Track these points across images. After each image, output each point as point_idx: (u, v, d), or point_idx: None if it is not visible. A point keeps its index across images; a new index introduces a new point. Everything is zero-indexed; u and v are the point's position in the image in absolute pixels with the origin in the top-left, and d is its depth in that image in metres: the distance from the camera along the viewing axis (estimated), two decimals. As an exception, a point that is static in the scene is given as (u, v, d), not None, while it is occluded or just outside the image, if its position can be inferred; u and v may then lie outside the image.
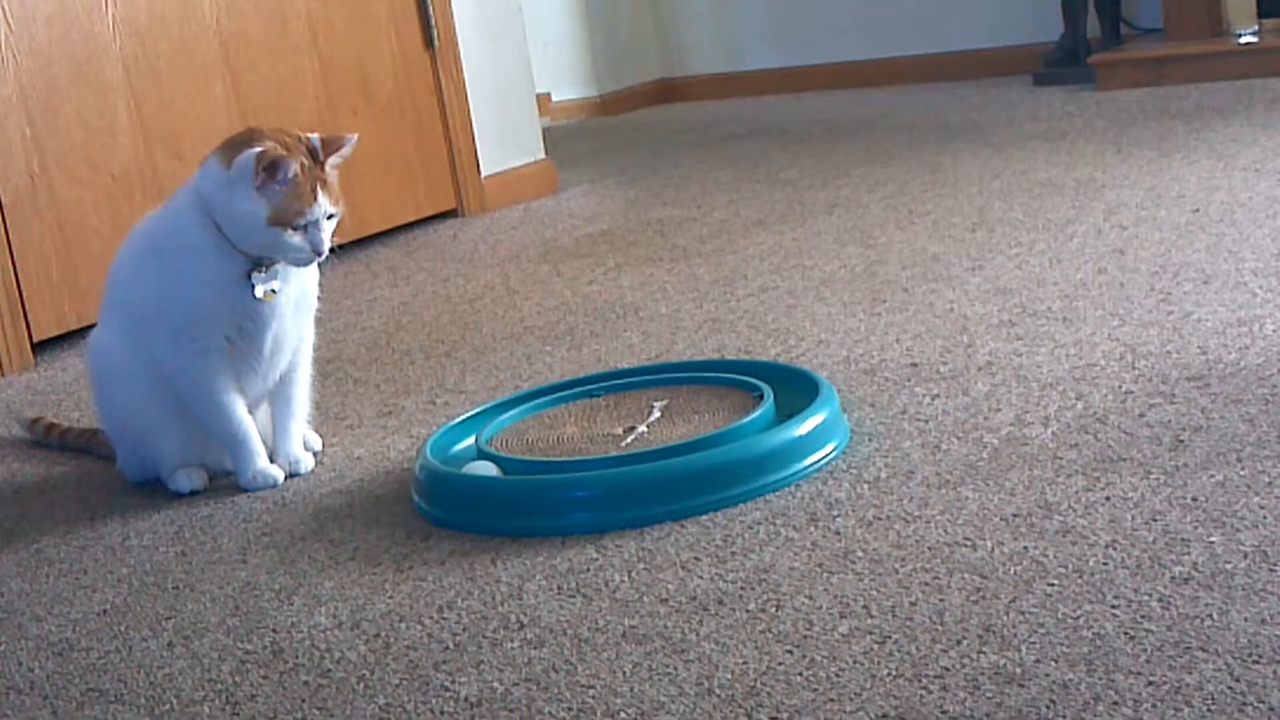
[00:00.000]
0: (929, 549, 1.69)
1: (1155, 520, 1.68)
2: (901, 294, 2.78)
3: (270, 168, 2.06)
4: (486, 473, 2.02)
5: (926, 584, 1.61)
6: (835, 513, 1.83)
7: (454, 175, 4.24)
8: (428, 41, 4.16)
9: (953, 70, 5.73)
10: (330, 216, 2.11)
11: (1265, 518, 1.65)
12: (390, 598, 1.78)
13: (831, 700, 1.41)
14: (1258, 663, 1.36)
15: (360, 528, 2.02)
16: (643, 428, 2.11)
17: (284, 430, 2.26)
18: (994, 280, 2.77)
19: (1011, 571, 1.61)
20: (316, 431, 2.38)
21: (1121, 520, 1.69)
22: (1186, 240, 2.86)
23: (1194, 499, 1.72)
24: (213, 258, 2.13)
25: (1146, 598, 1.51)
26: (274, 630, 1.74)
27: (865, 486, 1.90)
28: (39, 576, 2.01)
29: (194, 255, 2.14)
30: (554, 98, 6.35)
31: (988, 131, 4.43)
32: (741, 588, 1.67)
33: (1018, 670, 1.40)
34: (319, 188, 2.09)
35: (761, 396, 2.11)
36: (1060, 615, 1.50)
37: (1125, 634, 1.44)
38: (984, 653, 1.45)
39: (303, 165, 2.08)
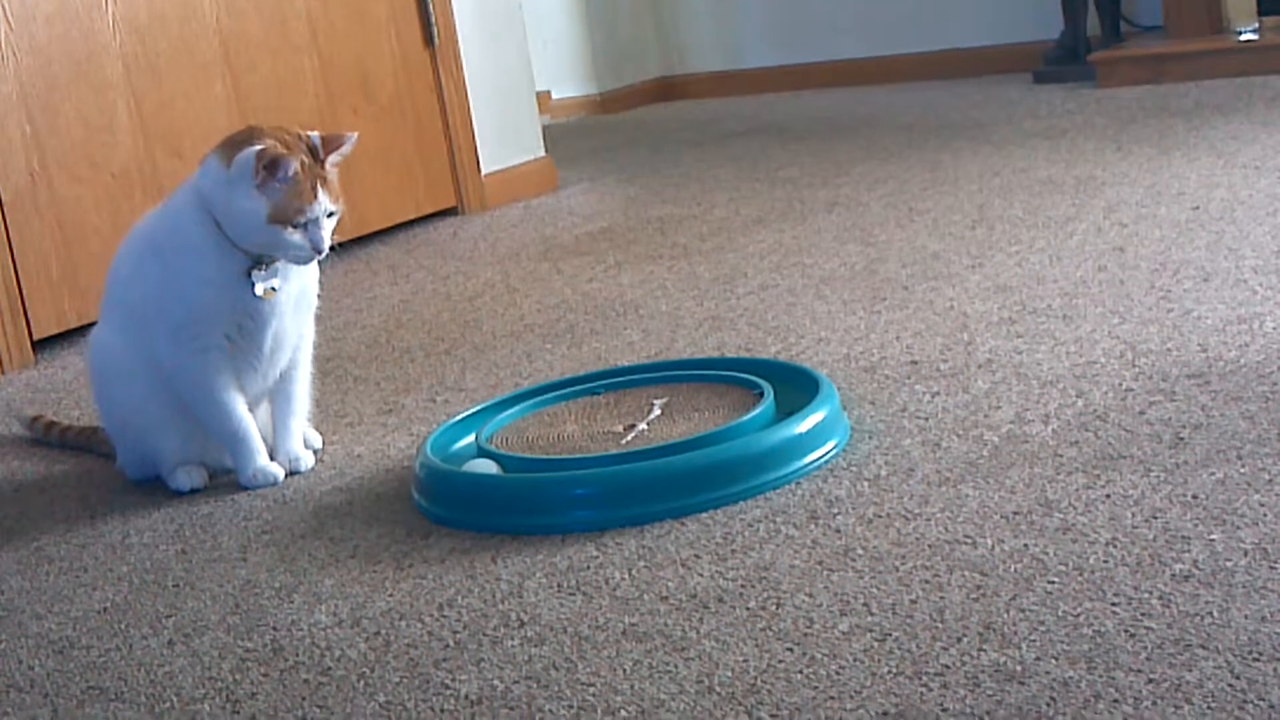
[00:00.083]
0: (929, 546, 1.69)
1: (1155, 518, 1.68)
2: (901, 292, 2.78)
3: (270, 166, 2.06)
4: (487, 470, 2.02)
5: (927, 581, 1.61)
6: (835, 510, 1.83)
7: (454, 173, 4.23)
8: (428, 40, 4.16)
9: (953, 68, 5.73)
10: (330, 214, 2.11)
11: (1265, 515, 1.65)
12: (390, 595, 1.78)
13: (832, 698, 1.40)
14: (1258, 660, 1.36)
15: (360, 525, 2.02)
16: (643, 425, 2.11)
17: (284, 428, 2.26)
18: (994, 278, 2.77)
19: (1012, 569, 1.61)
20: (317, 429, 2.38)
21: (1122, 518, 1.69)
22: (1186, 238, 2.85)
23: (1194, 496, 1.72)
24: (213, 256, 2.13)
25: (1147, 595, 1.51)
26: (274, 628, 1.74)
27: (865, 484, 1.90)
28: (39, 574, 2.01)
29: (194, 253, 2.14)
30: (554, 96, 6.34)
31: (988, 129, 4.42)
32: (742, 585, 1.67)
33: (1018, 668, 1.40)
34: (319, 186, 2.09)
35: (761, 394, 2.11)
36: (1060, 613, 1.50)
37: (1125, 631, 1.44)
38: (984, 650, 1.45)
39: (303, 163, 2.08)
